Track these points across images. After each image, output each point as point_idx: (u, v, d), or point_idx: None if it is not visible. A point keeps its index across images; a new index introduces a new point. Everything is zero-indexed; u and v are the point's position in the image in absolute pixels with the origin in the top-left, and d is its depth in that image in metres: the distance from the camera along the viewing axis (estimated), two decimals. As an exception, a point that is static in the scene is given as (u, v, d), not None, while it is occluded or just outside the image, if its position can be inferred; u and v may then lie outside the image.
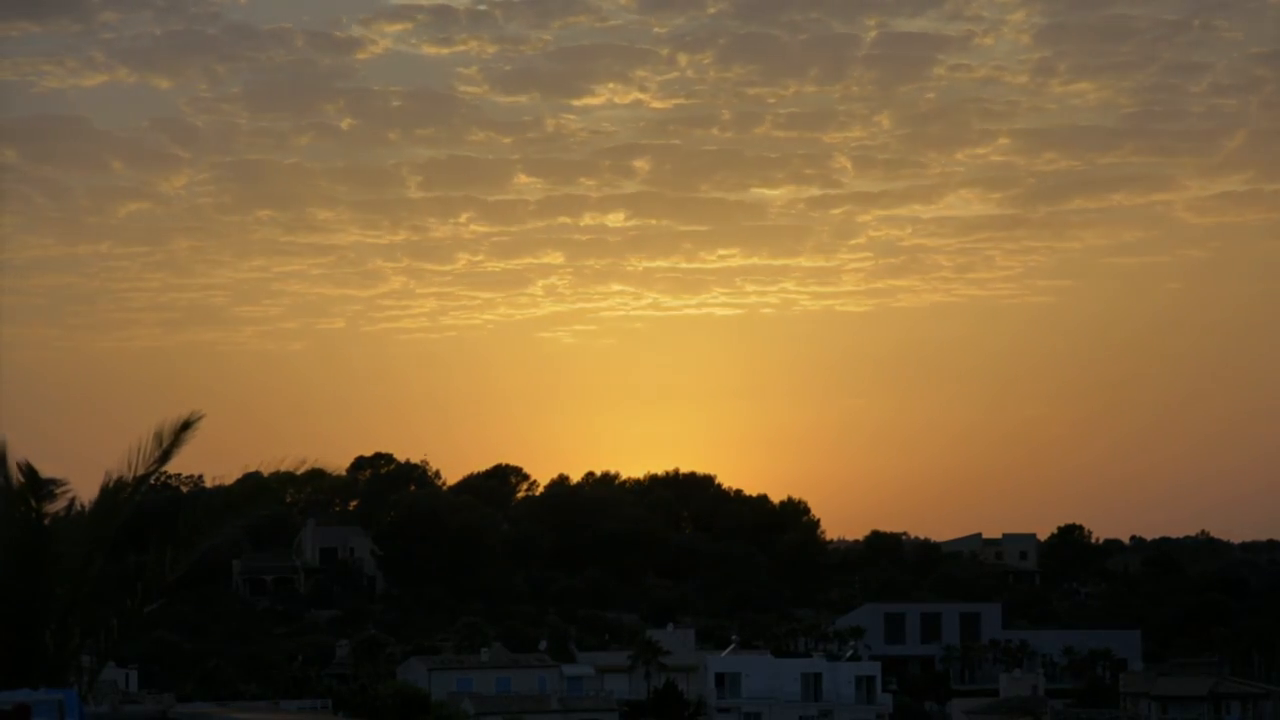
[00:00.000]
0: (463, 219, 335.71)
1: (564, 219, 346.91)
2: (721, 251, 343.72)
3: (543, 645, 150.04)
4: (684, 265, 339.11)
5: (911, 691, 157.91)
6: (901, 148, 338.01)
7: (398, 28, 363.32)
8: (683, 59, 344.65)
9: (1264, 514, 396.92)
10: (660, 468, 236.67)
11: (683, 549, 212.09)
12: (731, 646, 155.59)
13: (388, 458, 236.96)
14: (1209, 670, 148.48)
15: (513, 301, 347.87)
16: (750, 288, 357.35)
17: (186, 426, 21.38)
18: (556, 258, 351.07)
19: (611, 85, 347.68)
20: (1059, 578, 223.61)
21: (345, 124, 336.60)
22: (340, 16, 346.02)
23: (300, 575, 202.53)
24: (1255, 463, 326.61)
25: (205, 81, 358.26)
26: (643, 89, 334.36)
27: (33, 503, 20.91)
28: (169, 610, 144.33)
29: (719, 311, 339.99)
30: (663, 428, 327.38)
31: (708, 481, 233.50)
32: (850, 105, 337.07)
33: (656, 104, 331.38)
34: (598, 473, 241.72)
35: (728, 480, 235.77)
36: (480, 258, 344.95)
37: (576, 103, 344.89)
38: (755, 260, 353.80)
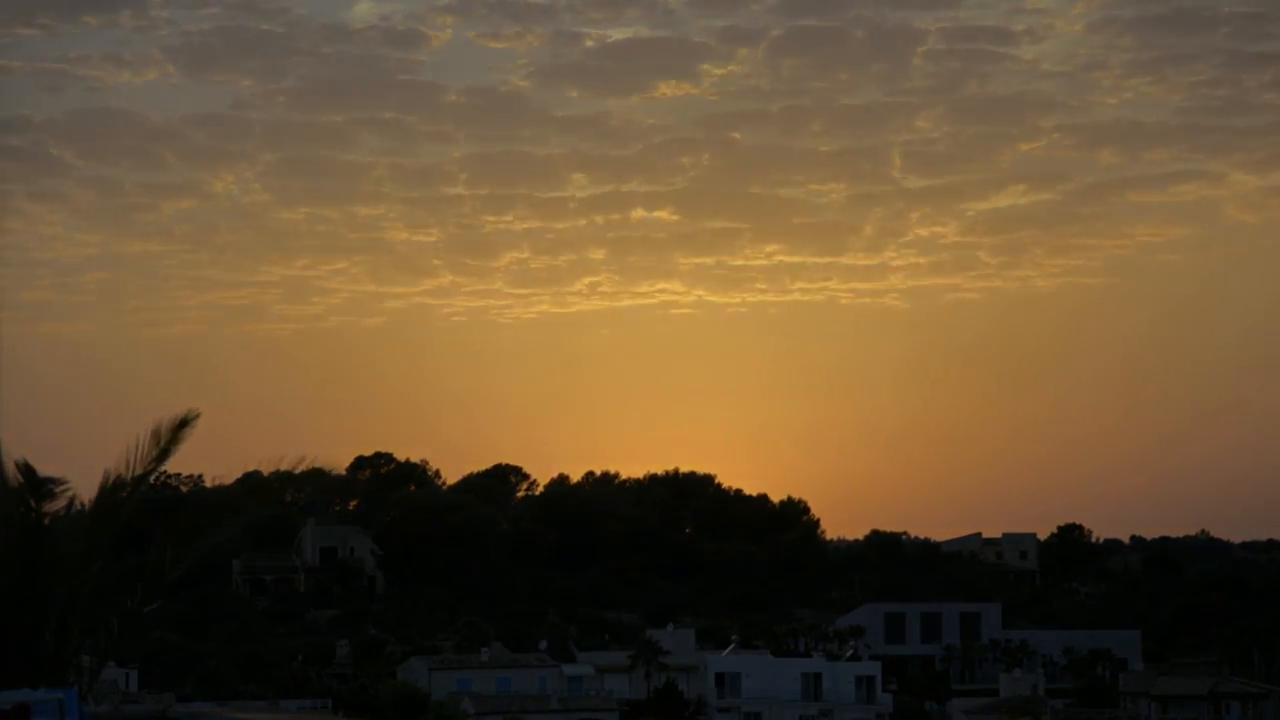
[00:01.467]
0: (509, 216, 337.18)
1: (611, 215, 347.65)
2: (768, 247, 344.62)
3: (543, 645, 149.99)
4: (730, 262, 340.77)
5: (911, 691, 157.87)
6: (952, 144, 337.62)
7: (453, 20, 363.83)
8: (736, 54, 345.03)
9: (1264, 514, 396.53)
10: (660, 468, 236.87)
11: (683, 549, 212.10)
12: (731, 646, 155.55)
13: (388, 458, 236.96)
14: (1209, 670, 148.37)
15: (555, 299, 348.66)
16: (761, 284, 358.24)
17: (184, 425, 21.33)
18: (600, 254, 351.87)
19: (665, 80, 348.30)
20: (1059, 577, 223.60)
21: (396, 118, 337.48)
22: (394, 11, 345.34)
23: (300, 575, 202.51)
24: (1255, 463, 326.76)
25: (258, 77, 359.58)
26: (695, 84, 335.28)
27: (32, 502, 20.87)
28: (169, 610, 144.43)
29: (730, 309, 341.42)
30: (665, 426, 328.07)
31: (708, 481, 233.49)
32: (902, 101, 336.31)
33: (709, 99, 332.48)
34: (598, 472, 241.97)
35: (728, 480, 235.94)
36: (526, 255, 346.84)
37: (629, 99, 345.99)
38: (781, 258, 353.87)
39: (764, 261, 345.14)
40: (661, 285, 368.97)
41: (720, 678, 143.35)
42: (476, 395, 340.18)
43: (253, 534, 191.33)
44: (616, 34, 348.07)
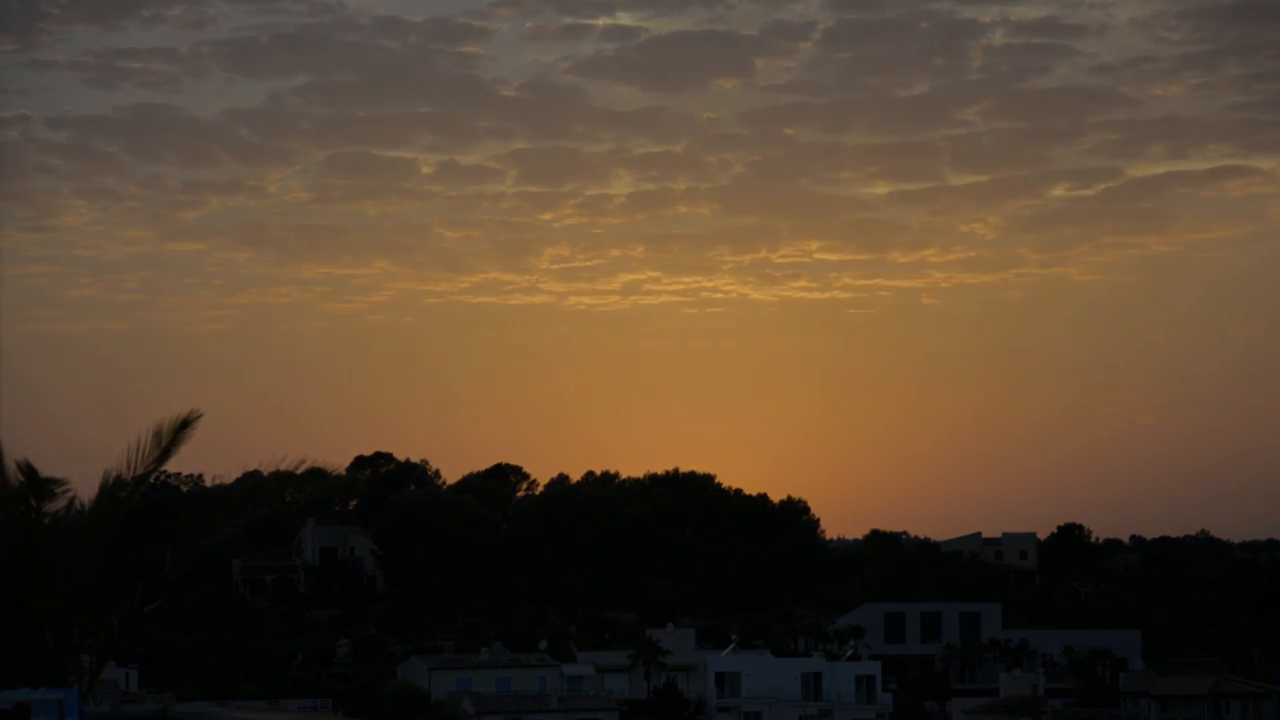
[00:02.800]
0: (551, 215, 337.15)
1: (653, 213, 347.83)
2: (809, 244, 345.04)
3: (543, 645, 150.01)
4: (772, 259, 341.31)
5: (911, 691, 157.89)
6: (999, 141, 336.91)
7: (507, 13, 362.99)
8: (789, 48, 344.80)
9: (1264, 514, 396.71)
10: (660, 468, 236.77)
11: (683, 549, 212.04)
12: (731, 646, 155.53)
13: (388, 458, 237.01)
14: (1209, 670, 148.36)
15: (593, 296, 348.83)
16: (804, 281, 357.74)
17: (185, 425, 21.35)
18: (640, 251, 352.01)
19: (716, 75, 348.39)
20: (1059, 577, 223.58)
21: (445, 113, 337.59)
22: (448, 5, 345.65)
23: (300, 575, 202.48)
24: (1255, 463, 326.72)
25: (308, 73, 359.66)
26: (747, 78, 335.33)
27: (32, 502, 20.89)
28: (169, 610, 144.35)
29: (768, 306, 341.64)
30: (665, 426, 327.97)
31: (708, 481, 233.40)
32: (951, 96, 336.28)
33: (760, 94, 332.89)
34: (598, 472, 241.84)
35: (728, 480, 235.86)
36: (567, 252, 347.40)
37: (680, 94, 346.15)
38: (822, 255, 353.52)
39: (804, 259, 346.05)
40: (700, 282, 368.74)
41: (720, 678, 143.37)
42: (477, 395, 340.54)
43: (253, 534, 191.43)
44: (668, 27, 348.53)
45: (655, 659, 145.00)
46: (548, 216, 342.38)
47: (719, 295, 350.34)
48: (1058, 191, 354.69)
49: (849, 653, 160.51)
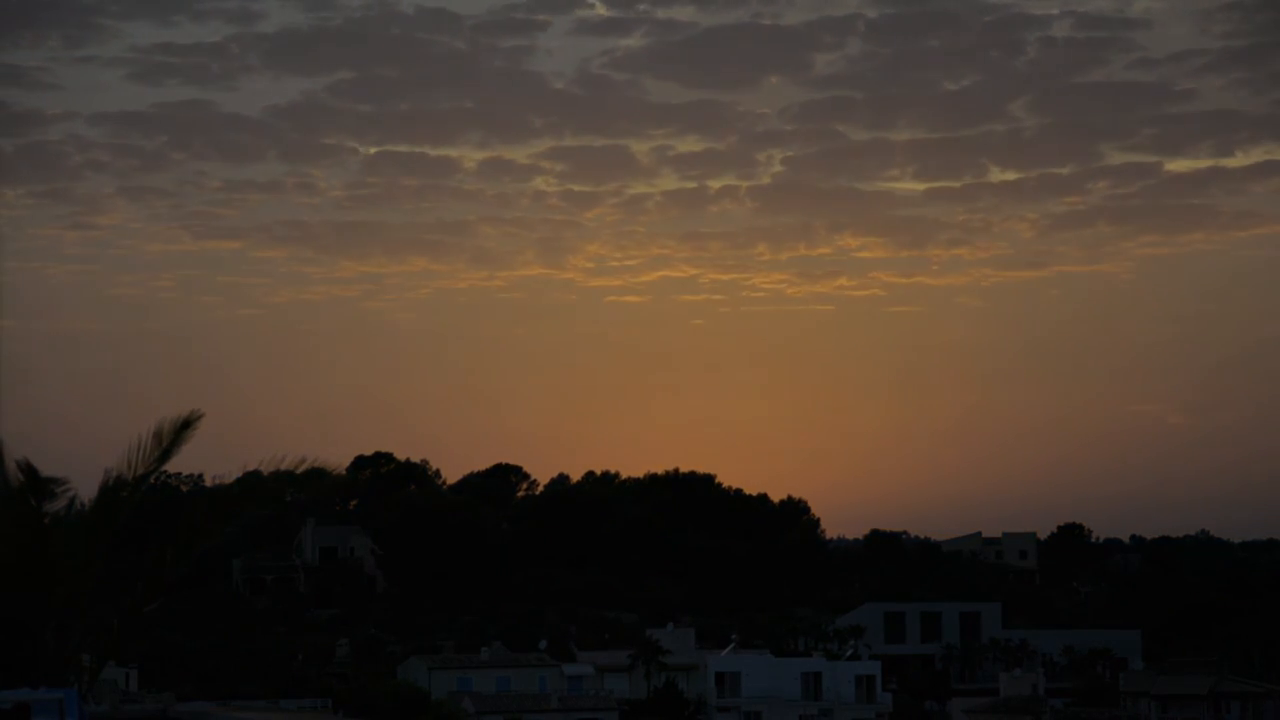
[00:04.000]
0: (593, 214, 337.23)
1: (691, 209, 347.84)
2: (847, 241, 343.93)
3: (543, 645, 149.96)
4: (809, 255, 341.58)
5: (911, 691, 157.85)
6: (1042, 136, 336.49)
7: (555, 6, 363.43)
8: (831, 47, 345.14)
9: (1264, 514, 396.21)
10: (660, 468, 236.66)
11: (683, 549, 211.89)
12: (731, 646, 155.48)
13: (388, 458, 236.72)
14: (1209, 670, 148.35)
15: (628, 292, 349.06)
16: (844, 279, 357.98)
17: (187, 425, 21.33)
18: (675, 248, 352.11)
19: (764, 71, 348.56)
20: (1059, 577, 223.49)
21: (489, 110, 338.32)
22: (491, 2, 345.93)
23: (300, 575, 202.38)
24: (1255, 463, 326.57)
25: (352, 68, 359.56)
26: (796, 74, 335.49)
27: (33, 502, 20.86)
28: (169, 610, 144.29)
29: (806, 304, 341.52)
30: (665, 426, 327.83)
31: (708, 481, 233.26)
32: (997, 92, 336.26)
33: (802, 90, 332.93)
34: (598, 472, 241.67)
35: (728, 480, 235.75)
36: (606, 250, 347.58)
37: (727, 90, 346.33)
38: (862, 254, 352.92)
39: (840, 255, 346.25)
40: (735, 279, 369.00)
41: (720, 677, 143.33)
42: (476, 395, 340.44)
43: (253, 534, 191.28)
44: (716, 21, 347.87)
45: (655, 659, 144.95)
46: (588, 214, 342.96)
47: (757, 294, 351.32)
48: (1099, 187, 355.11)
49: (849, 652, 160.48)
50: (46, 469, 21.02)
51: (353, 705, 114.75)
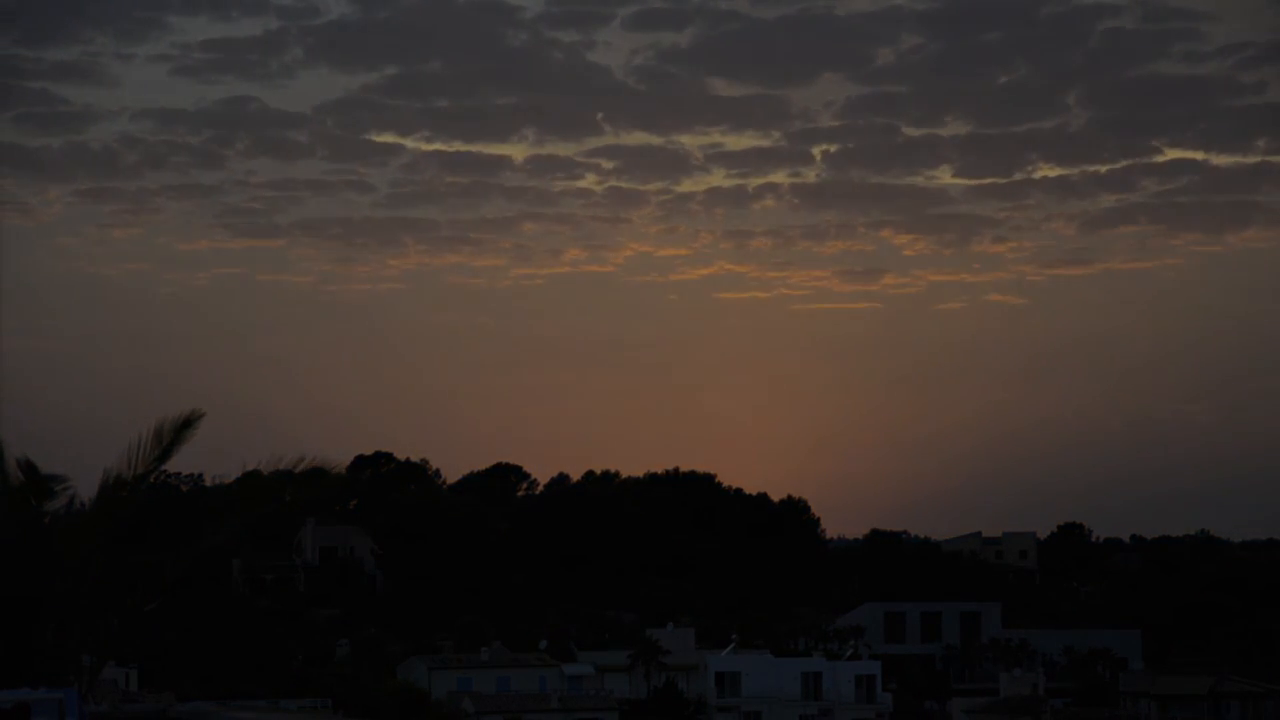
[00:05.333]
0: (641, 213, 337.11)
1: (735, 208, 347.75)
2: (893, 238, 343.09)
3: (543, 645, 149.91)
4: (853, 252, 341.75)
5: (911, 691, 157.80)
6: (1090, 132, 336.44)
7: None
8: (887, 40, 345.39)
9: (1264, 514, 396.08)
10: (660, 467, 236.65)
11: (683, 549, 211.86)
12: (731, 646, 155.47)
13: (388, 457, 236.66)
14: (1209, 670, 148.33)
15: (674, 289, 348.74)
16: (890, 277, 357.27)
17: (187, 425, 21.30)
18: (725, 245, 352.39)
19: (819, 66, 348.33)
20: (1059, 577, 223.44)
21: (540, 105, 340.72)
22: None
23: (300, 575, 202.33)
24: (1255, 462, 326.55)
25: (401, 64, 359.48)
26: (852, 69, 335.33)
27: (33, 501, 20.83)
28: (169, 610, 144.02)
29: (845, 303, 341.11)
30: (665, 426, 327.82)
31: (708, 481, 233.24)
32: (1046, 88, 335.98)
33: (856, 87, 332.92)
34: (598, 472, 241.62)
35: (728, 480, 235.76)
36: (648, 248, 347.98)
37: (781, 86, 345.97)
38: (909, 251, 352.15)
39: (886, 252, 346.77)
40: (777, 276, 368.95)
41: (720, 677, 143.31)
42: (476, 395, 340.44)
43: (253, 534, 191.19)
44: (772, 13, 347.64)
45: (655, 659, 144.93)
46: (634, 212, 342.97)
47: (800, 291, 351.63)
48: (1147, 184, 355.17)
49: (849, 652, 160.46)
50: (46, 468, 21.00)
51: (353, 705, 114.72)
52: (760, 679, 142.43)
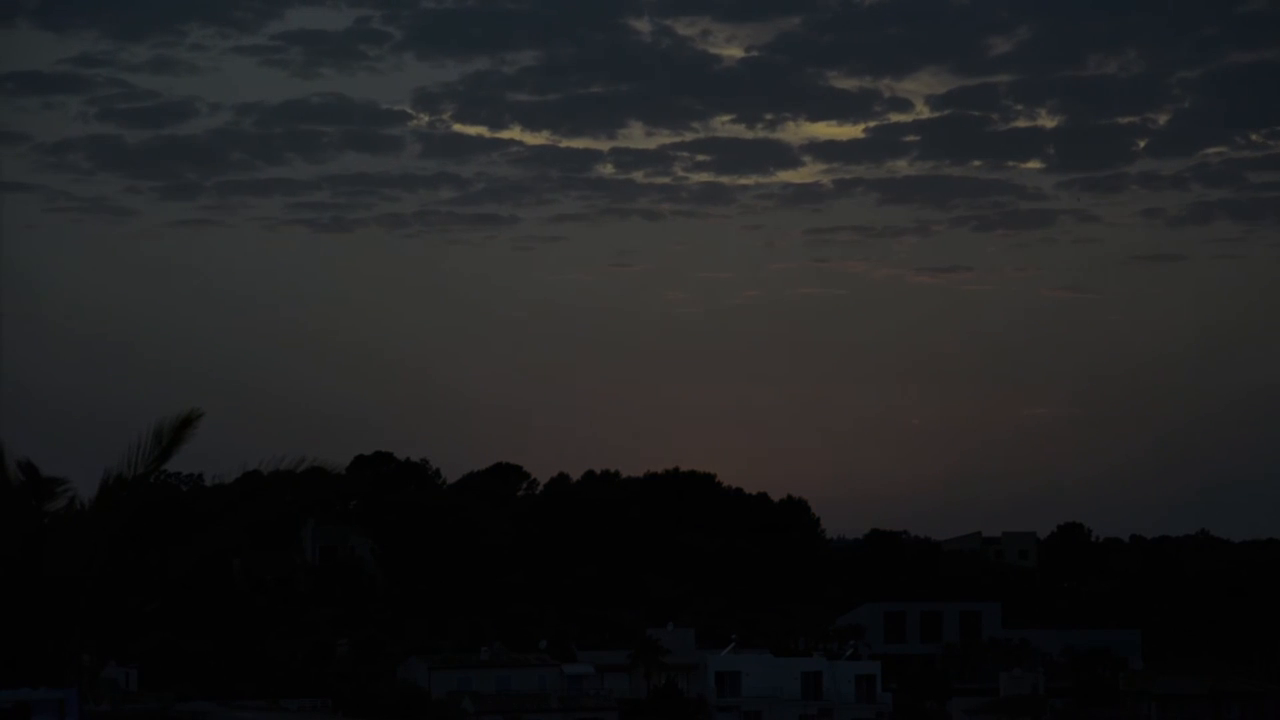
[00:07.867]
0: (726, 208, 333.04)
1: (812, 207, 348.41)
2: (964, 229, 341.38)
3: (543, 644, 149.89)
4: (924, 245, 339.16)
5: (911, 691, 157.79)
6: (1186, 124, 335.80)
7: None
8: (975, 39, 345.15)
9: (1264, 514, 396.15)
10: (660, 467, 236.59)
11: (683, 549, 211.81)
12: (731, 646, 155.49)
13: (388, 457, 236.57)
14: (1209, 670, 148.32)
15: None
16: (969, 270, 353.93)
17: (187, 424, 21.30)
18: (798, 243, 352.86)
19: (920, 59, 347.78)
20: (1059, 577, 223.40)
21: (634, 97, 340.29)
22: None
23: (300, 575, 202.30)
24: (1255, 462, 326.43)
25: (489, 57, 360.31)
26: (952, 61, 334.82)
27: (33, 501, 20.82)
28: (169, 610, 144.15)
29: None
30: (665, 425, 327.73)
31: (708, 481, 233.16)
32: (1146, 81, 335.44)
33: (942, 85, 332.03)
34: (598, 472, 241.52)
35: (728, 480, 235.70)
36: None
37: (876, 78, 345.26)
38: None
39: (963, 245, 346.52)
40: (851, 271, 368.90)
41: (720, 677, 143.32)
42: (476, 395, 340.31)
43: (253, 534, 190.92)
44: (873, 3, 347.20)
45: (655, 659, 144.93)
46: (720, 208, 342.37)
47: (877, 285, 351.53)
48: (1246, 177, 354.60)
49: (849, 652, 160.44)
50: (46, 469, 20.99)
51: (353, 705, 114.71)
52: (760, 679, 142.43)
